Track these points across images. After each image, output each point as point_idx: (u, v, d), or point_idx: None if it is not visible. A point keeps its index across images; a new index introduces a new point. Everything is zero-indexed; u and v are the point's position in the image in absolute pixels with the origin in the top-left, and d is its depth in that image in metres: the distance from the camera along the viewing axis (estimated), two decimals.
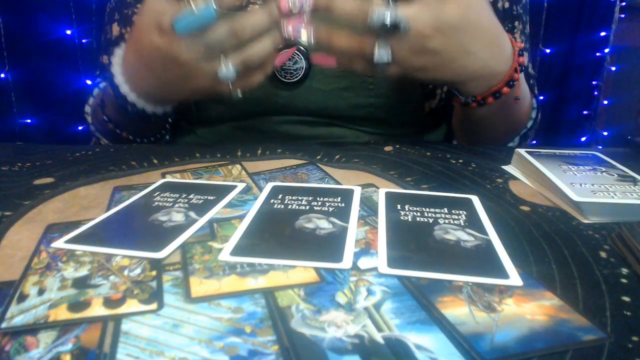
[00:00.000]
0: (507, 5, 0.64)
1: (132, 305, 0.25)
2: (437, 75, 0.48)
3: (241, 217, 0.36)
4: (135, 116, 0.55)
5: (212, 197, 0.39)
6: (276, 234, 0.33)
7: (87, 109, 0.66)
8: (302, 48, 0.55)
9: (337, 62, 0.48)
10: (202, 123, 0.67)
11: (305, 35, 0.49)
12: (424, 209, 0.37)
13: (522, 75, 0.56)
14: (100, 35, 0.74)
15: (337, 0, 0.44)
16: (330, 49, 0.47)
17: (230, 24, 0.45)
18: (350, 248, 0.31)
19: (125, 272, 0.29)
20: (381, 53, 0.44)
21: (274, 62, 0.50)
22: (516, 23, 0.65)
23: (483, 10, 0.47)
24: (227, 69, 0.45)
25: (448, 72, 0.48)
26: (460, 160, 0.51)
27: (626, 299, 0.27)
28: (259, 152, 0.52)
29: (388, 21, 0.42)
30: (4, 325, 0.24)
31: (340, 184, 0.43)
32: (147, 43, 0.47)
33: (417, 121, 0.67)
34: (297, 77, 0.59)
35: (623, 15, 1.60)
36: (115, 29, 0.70)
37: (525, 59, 0.67)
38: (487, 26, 0.47)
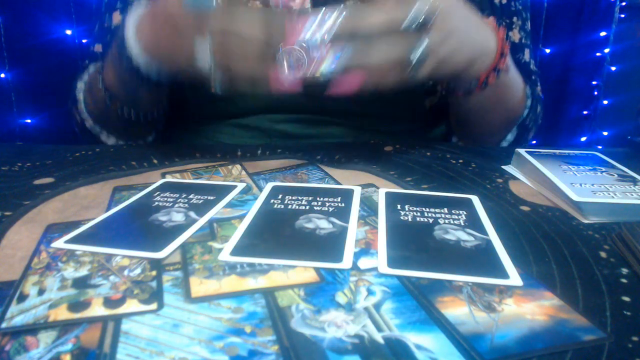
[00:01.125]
0: (504, 0, 0.64)
1: (132, 305, 0.25)
2: (458, 61, 0.47)
3: (241, 217, 0.36)
4: (133, 85, 0.53)
5: (212, 197, 0.39)
6: (276, 234, 0.33)
7: (81, 85, 0.64)
8: (303, 44, 0.50)
9: (363, 83, 0.44)
10: (201, 121, 0.67)
11: (326, 65, 0.42)
12: (424, 209, 0.37)
13: (510, 62, 0.56)
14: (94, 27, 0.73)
15: (364, 20, 0.41)
16: (364, 69, 0.43)
17: (225, 15, 0.42)
18: (350, 248, 0.31)
19: (125, 272, 0.28)
20: (419, 49, 0.42)
21: (261, 77, 0.43)
22: (514, 19, 0.65)
23: None
24: (203, 43, 0.43)
25: (466, 52, 0.48)
26: (460, 160, 0.51)
27: (626, 299, 0.27)
28: (259, 152, 0.52)
29: (422, 17, 0.41)
30: (4, 325, 0.24)
31: (340, 184, 0.43)
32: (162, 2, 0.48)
33: (418, 118, 0.67)
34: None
35: (623, 15, 1.60)
36: (117, 17, 0.68)
37: (527, 55, 0.68)
38: (467, 5, 0.49)
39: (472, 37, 0.48)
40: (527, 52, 0.68)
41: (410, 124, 0.67)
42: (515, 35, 0.66)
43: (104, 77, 0.58)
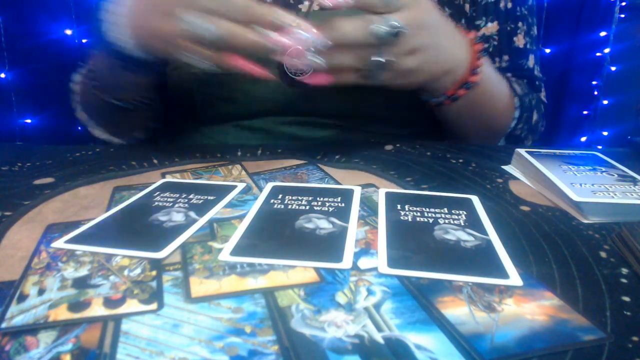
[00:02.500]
0: (510, 5, 0.64)
1: (132, 305, 0.25)
2: (425, 75, 0.50)
3: (241, 217, 0.36)
4: (119, 70, 0.53)
5: (212, 197, 0.39)
6: (276, 234, 0.33)
7: (77, 76, 0.65)
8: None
9: (332, 79, 0.48)
10: (207, 122, 0.67)
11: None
12: (424, 209, 0.37)
13: (493, 75, 0.57)
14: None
15: (340, 28, 0.45)
16: (331, 68, 0.46)
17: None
18: (350, 248, 0.31)
19: (125, 272, 0.28)
20: (379, 60, 0.46)
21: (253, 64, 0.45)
22: (520, 24, 0.65)
23: (434, 8, 0.51)
24: (199, 22, 0.42)
25: (433, 67, 0.50)
26: (460, 160, 0.51)
27: (626, 299, 0.27)
28: (259, 152, 0.52)
29: (389, 31, 0.44)
30: (4, 325, 0.24)
31: (340, 184, 0.43)
32: None
33: (423, 120, 0.67)
34: (307, 74, 0.58)
35: (623, 15, 1.60)
36: None
37: (532, 61, 0.67)
38: (444, 20, 0.51)
39: (441, 54, 0.50)
40: (531, 58, 0.67)
41: (415, 127, 0.67)
42: (520, 41, 0.65)
43: (91, 61, 0.58)
